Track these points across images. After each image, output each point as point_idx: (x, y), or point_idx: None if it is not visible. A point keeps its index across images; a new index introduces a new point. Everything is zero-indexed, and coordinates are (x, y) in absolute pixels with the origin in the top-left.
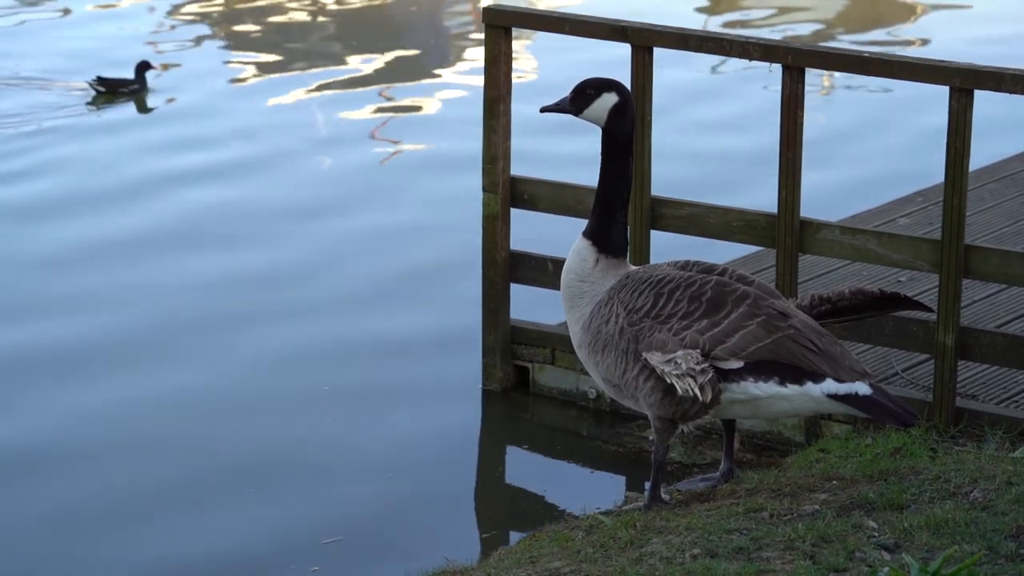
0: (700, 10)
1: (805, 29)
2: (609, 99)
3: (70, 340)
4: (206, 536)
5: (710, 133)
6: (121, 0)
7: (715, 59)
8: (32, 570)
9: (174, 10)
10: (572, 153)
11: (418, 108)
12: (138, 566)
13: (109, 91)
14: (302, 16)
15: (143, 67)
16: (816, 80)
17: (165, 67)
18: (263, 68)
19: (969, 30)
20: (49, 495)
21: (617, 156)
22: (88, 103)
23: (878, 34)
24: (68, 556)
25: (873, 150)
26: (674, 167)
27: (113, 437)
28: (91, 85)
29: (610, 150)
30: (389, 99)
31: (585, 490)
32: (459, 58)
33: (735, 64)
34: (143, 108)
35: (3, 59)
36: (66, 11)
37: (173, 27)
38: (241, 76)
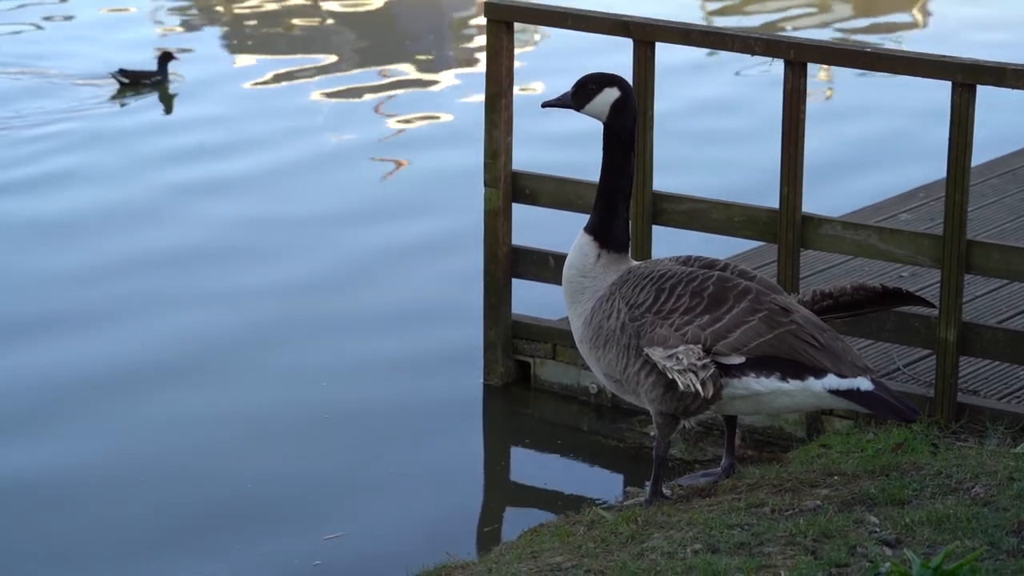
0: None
1: (806, 22)
2: (611, 94)
3: (81, 362)
4: (207, 530)
5: (710, 129)
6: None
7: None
8: None
9: (174, 11)
10: (573, 149)
11: (421, 106)
12: (136, 560)
13: (132, 83)
14: (304, 15)
15: (165, 58)
16: (818, 84)
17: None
18: (266, 68)
19: (970, 23)
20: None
21: (618, 151)
22: (112, 97)
23: (878, 27)
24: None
25: (874, 146)
26: (674, 163)
27: (120, 447)
28: (115, 77)
29: (611, 145)
30: (393, 94)
31: (586, 485)
32: (462, 54)
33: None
34: (165, 98)
35: (19, 57)
36: (68, 17)
37: (174, 27)
38: (242, 76)
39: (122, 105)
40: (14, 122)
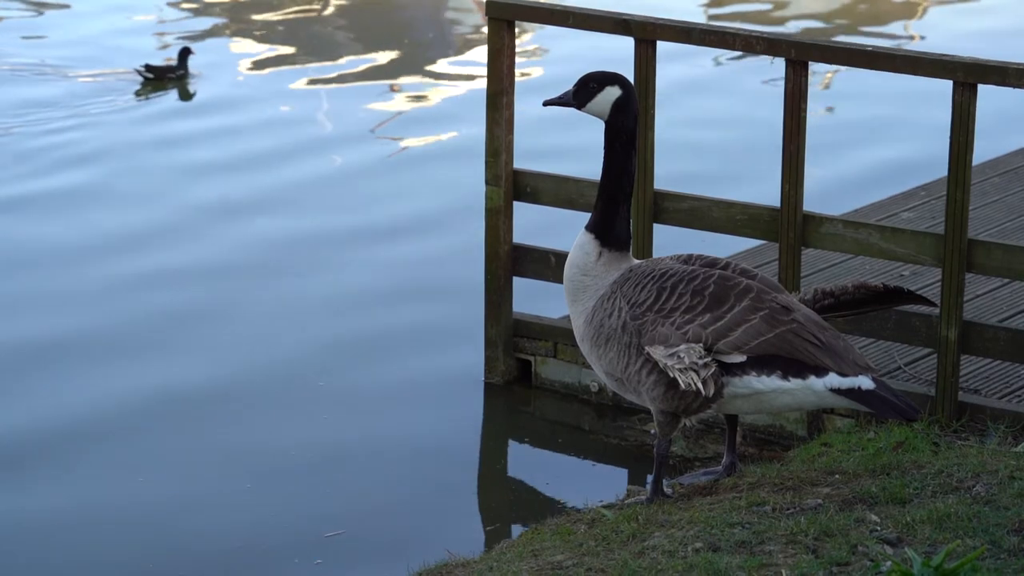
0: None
1: (806, 22)
2: (612, 93)
3: (88, 389)
4: (208, 530)
5: (712, 126)
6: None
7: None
8: None
9: (175, 3)
10: (575, 146)
11: (422, 102)
12: (141, 559)
13: (157, 78)
14: (305, 10)
15: (184, 53)
16: (817, 76)
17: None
18: (264, 64)
19: (969, 23)
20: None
21: (620, 150)
22: (137, 91)
23: (878, 26)
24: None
25: (876, 143)
26: (676, 159)
27: (109, 425)
28: (139, 72)
29: (613, 144)
30: (395, 92)
31: (587, 483)
32: (464, 52)
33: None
34: (185, 94)
35: (44, 54)
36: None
37: (176, 20)
38: (244, 72)
39: (147, 96)
40: (46, 122)
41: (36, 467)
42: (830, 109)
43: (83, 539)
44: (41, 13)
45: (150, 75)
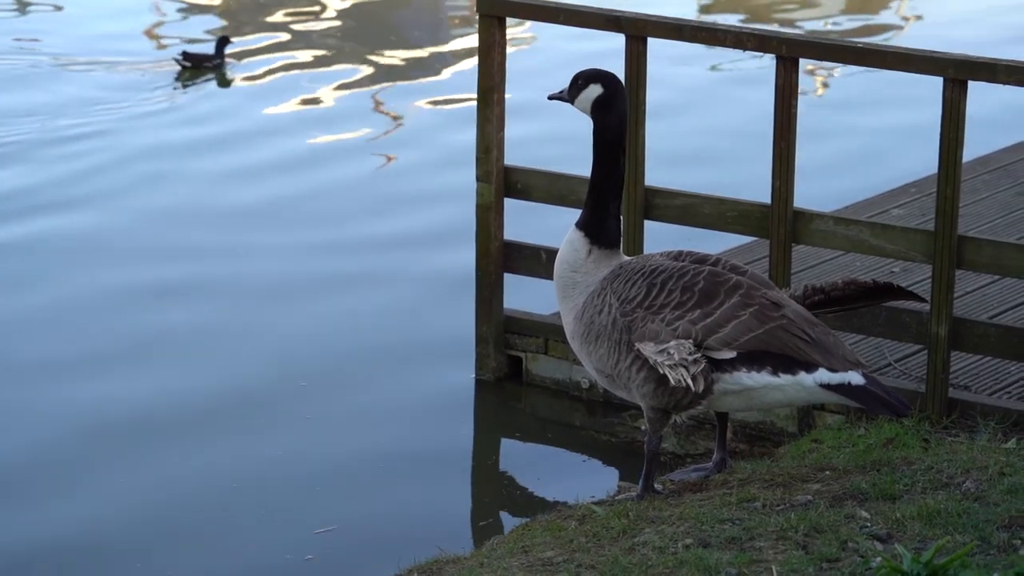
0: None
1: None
2: (593, 91)
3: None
4: (199, 527)
5: (707, 124)
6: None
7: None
8: None
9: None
10: (572, 142)
11: (417, 99)
12: (134, 557)
13: (194, 66)
14: (300, 9)
15: (223, 42)
16: (811, 80)
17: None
18: (262, 60)
19: (958, 17)
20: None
21: (606, 148)
22: (176, 79)
23: (870, 21)
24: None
25: (868, 139)
26: (672, 157)
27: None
28: (177, 61)
29: (599, 142)
30: (391, 89)
31: (578, 480)
32: (456, 48)
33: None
34: (223, 82)
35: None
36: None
37: (169, 13)
38: (238, 68)
39: (184, 85)
40: (96, 113)
41: (34, 484)
42: (824, 86)
43: (72, 540)
44: (24, 14)
45: (187, 63)
